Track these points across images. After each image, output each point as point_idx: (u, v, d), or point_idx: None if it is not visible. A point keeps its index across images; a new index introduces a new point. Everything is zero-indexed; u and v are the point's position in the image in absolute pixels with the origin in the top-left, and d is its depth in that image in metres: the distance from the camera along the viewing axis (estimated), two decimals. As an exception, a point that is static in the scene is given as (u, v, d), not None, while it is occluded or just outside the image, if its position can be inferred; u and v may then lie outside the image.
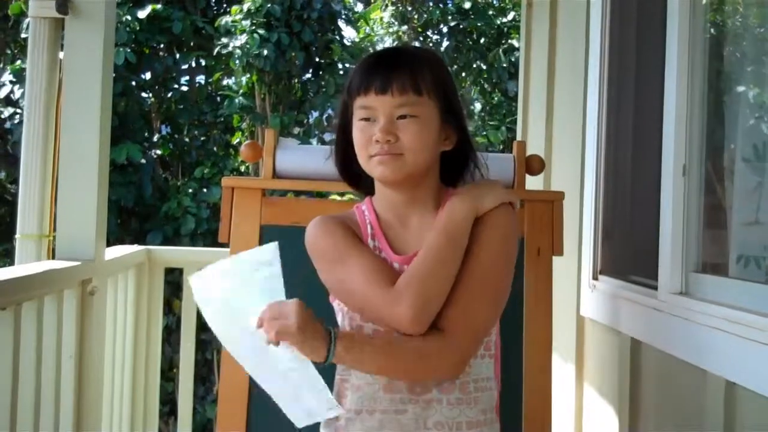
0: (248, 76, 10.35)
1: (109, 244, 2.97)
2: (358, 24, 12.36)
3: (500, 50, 11.32)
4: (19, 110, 9.14)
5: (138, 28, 9.85)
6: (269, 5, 10.00)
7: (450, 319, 1.59)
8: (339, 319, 1.72)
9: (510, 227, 1.68)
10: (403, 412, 1.63)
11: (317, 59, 10.58)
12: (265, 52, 9.85)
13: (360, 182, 1.79)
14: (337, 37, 10.81)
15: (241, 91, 10.64)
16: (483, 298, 1.63)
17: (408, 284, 1.57)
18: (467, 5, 11.71)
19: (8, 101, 9.51)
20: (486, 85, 11.96)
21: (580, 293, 3.04)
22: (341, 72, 10.67)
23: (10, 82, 9.45)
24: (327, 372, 1.69)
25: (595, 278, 2.90)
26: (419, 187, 1.70)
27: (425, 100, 1.63)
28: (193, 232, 9.68)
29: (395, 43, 12.01)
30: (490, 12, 11.83)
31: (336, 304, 1.73)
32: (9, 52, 10.31)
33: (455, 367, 1.61)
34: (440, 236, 1.62)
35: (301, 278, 1.66)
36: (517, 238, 1.72)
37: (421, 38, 12.13)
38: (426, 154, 1.65)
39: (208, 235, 9.54)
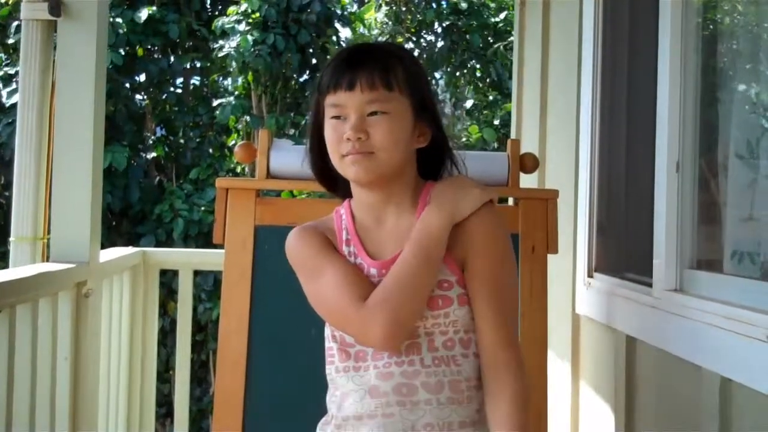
0: (244, 77, 10.34)
1: (101, 247, 2.97)
2: (353, 24, 12.35)
3: (501, 46, 11.31)
4: (5, 114, 9.10)
5: (131, 30, 9.82)
6: (266, 7, 9.99)
7: (496, 345, 1.59)
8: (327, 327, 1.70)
9: (499, 227, 1.66)
10: (390, 415, 1.58)
11: (313, 61, 10.57)
12: (260, 53, 9.84)
13: (337, 185, 1.74)
14: (334, 38, 10.80)
15: (236, 92, 10.64)
16: (506, 310, 1.63)
17: (381, 301, 1.54)
18: (463, 5, 11.72)
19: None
20: (481, 84, 11.97)
21: (575, 291, 3.04)
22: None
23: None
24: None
25: (590, 276, 2.90)
26: (395, 185, 1.65)
27: (396, 95, 1.59)
28: (185, 235, 9.66)
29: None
30: (486, 12, 11.83)
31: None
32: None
33: (527, 388, 1.61)
34: (414, 249, 1.58)
35: (296, 280, 1.66)
36: (508, 232, 1.68)
37: (415, 38, 12.14)
38: (399, 152, 1.60)
39: (201, 237, 9.53)
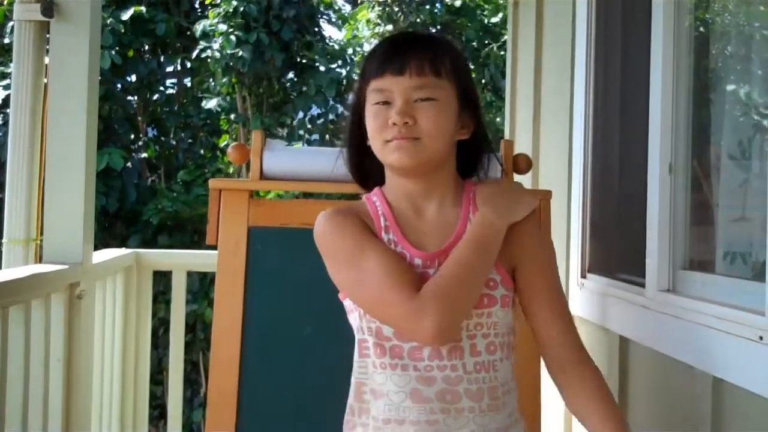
0: (227, 78, 10.31)
1: (94, 249, 2.96)
2: (345, 25, 12.34)
3: (494, 47, 11.32)
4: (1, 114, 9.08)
5: (122, 30, 9.80)
6: (245, 5, 9.93)
7: (569, 346, 1.63)
8: (352, 319, 1.64)
9: (547, 232, 1.71)
10: (434, 422, 1.54)
11: (298, 59, 10.52)
12: (242, 53, 9.78)
13: (369, 181, 1.71)
14: (318, 37, 10.75)
15: (221, 93, 10.61)
16: (566, 311, 1.66)
17: (435, 295, 1.50)
18: (458, 3, 11.72)
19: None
20: (477, 85, 11.96)
21: (568, 291, 3.04)
22: (322, 71, 10.60)
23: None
24: (344, 372, 1.69)
25: (583, 276, 2.91)
26: (435, 176, 1.62)
27: (444, 83, 1.56)
28: (179, 233, 9.65)
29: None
30: (481, 13, 11.84)
31: (348, 303, 1.64)
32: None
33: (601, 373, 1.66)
34: (472, 247, 1.55)
35: (289, 280, 1.66)
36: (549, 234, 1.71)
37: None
38: (444, 141, 1.58)
39: (194, 235, 9.52)
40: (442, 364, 1.55)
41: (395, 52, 1.58)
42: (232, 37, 9.79)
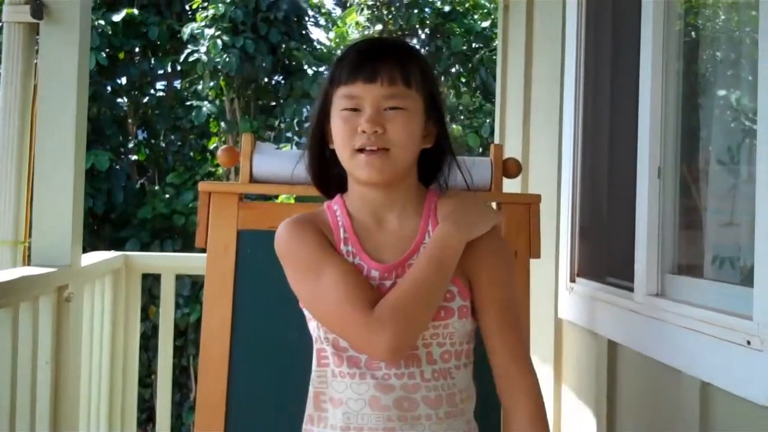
0: (214, 82, 10.29)
1: (84, 252, 2.95)
2: (333, 27, 12.34)
3: (485, 52, 11.34)
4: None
5: (112, 32, 9.78)
6: (232, 9, 9.92)
7: (513, 357, 1.61)
8: (312, 327, 1.64)
9: (507, 248, 1.68)
10: (391, 429, 1.54)
11: (286, 61, 10.52)
12: (228, 58, 9.77)
13: (330, 188, 1.70)
14: (305, 40, 10.75)
15: (210, 97, 10.59)
16: (516, 324, 1.64)
17: (391, 313, 1.49)
18: (447, 9, 11.74)
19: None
20: (465, 89, 11.99)
21: (557, 296, 3.05)
22: (310, 74, 10.60)
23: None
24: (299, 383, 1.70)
25: (572, 280, 2.91)
26: (399, 186, 1.62)
27: (413, 93, 1.56)
28: (168, 235, 9.64)
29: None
30: (471, 18, 11.85)
31: (307, 312, 1.65)
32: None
33: (544, 404, 1.65)
34: (430, 263, 1.55)
35: (278, 283, 1.65)
36: (512, 253, 1.70)
37: (398, 43, 12.12)
38: (411, 150, 1.58)
39: (186, 238, 9.51)
40: (400, 372, 1.56)
41: (367, 59, 1.57)
42: (219, 42, 9.77)
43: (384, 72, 1.54)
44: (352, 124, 1.55)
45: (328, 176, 1.68)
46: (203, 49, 9.95)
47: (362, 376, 1.56)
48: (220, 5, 9.97)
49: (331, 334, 1.58)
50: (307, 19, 11.00)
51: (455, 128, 11.36)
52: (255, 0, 10.01)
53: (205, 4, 10.32)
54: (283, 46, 10.29)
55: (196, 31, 10.05)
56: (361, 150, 1.55)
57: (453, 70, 11.90)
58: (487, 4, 11.76)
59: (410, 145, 1.57)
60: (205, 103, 10.44)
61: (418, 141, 1.60)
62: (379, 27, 11.72)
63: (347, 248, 1.61)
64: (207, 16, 10.09)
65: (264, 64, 10.08)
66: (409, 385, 1.56)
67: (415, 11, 11.72)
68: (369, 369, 1.56)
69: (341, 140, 1.57)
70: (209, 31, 9.92)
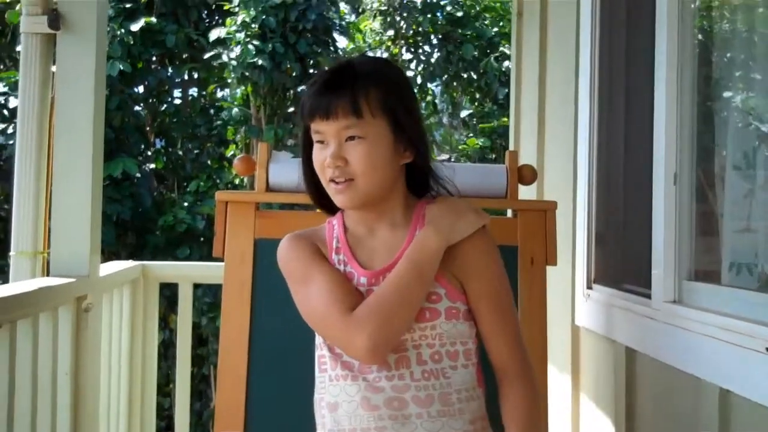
0: (243, 88, 10.37)
1: (105, 258, 2.96)
2: (352, 34, 12.38)
3: (492, 58, 11.35)
4: (12, 124, 9.12)
5: (131, 41, 9.85)
6: (264, 17, 10.03)
7: (509, 359, 1.68)
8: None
9: (493, 249, 1.71)
10: (383, 429, 1.60)
11: (311, 71, 10.60)
12: (260, 62, 9.86)
13: (326, 203, 1.74)
14: (332, 48, 10.83)
15: (235, 103, 10.68)
16: (512, 324, 1.70)
17: (370, 313, 1.57)
18: (459, 14, 11.75)
19: (2, 115, 9.49)
20: (477, 94, 12.00)
21: (574, 303, 3.05)
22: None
23: (1, 93, 9.42)
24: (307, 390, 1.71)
25: (589, 287, 2.91)
26: (385, 203, 1.68)
27: (368, 120, 1.60)
28: (188, 242, 9.71)
29: (383, 53, 12.04)
30: (485, 21, 11.86)
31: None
32: (1, 65, 10.29)
33: (537, 389, 1.71)
34: (408, 266, 1.61)
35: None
36: (499, 253, 1.72)
37: (412, 49, 12.16)
38: (379, 174, 1.63)
39: (204, 244, 9.57)
40: (390, 374, 1.61)
41: (321, 95, 1.62)
42: (251, 46, 9.86)
43: (337, 106, 1.60)
44: (321, 157, 1.63)
45: (323, 196, 1.72)
46: (232, 54, 10.03)
47: (354, 378, 1.63)
48: (252, 10, 10.05)
49: (322, 337, 1.68)
50: (335, 28, 11.05)
51: (472, 141, 11.36)
52: (285, 10, 10.09)
53: (236, 8, 10.40)
54: (311, 57, 10.37)
55: (225, 36, 10.13)
56: (332, 180, 1.63)
57: (465, 75, 11.92)
58: (498, 10, 11.77)
59: (375, 171, 1.62)
60: (234, 107, 10.53)
61: (385, 163, 1.63)
62: (390, 32, 11.74)
63: (338, 257, 1.70)
64: (236, 21, 10.17)
65: (294, 73, 10.16)
66: (399, 385, 1.61)
67: (428, 16, 11.75)
68: (361, 372, 1.63)
69: (317, 171, 1.66)
70: (240, 35, 10.00)
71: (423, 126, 1.72)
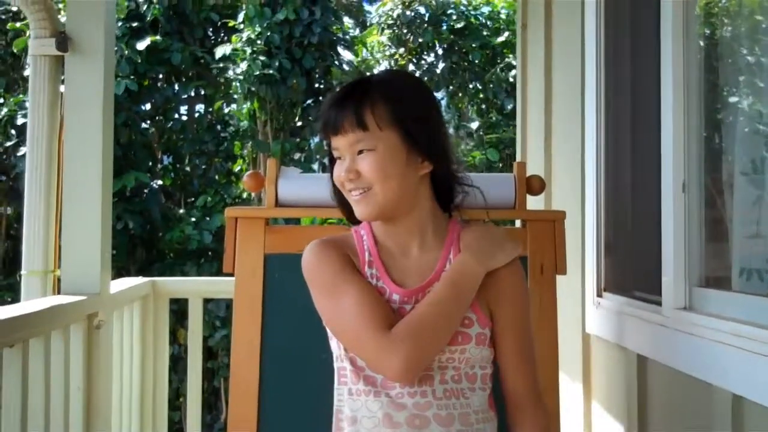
0: (249, 104, 10.42)
1: (115, 274, 2.98)
2: (356, 48, 12.42)
3: (498, 69, 11.38)
4: (23, 144, 9.17)
5: (138, 60, 9.91)
6: (269, 33, 10.09)
7: (527, 390, 1.70)
8: (333, 345, 1.70)
9: (524, 279, 1.73)
10: None
11: (316, 85, 10.64)
12: (268, 74, 9.91)
13: (354, 215, 1.74)
14: (336, 63, 10.88)
15: (242, 119, 10.72)
16: (533, 355, 1.73)
17: (407, 334, 1.55)
18: (460, 25, 11.78)
19: (12, 134, 9.55)
20: (483, 105, 12.01)
21: (584, 311, 3.04)
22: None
23: (9, 113, 9.49)
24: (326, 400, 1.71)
25: (599, 295, 2.91)
26: (410, 215, 1.67)
27: (376, 134, 1.60)
28: (198, 259, 9.74)
29: (392, 65, 12.07)
30: (485, 33, 11.88)
31: (329, 330, 1.70)
32: (9, 86, 10.35)
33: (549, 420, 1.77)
34: (448, 289, 1.61)
35: (306, 306, 1.67)
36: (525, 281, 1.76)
37: (416, 60, 12.19)
38: (394, 183, 1.62)
39: (214, 259, 9.58)
40: (413, 390, 1.60)
41: (330, 111, 1.65)
42: (258, 61, 9.92)
43: (344, 122, 1.62)
44: (338, 172, 1.65)
45: (350, 207, 1.72)
46: (238, 70, 10.09)
47: (377, 394, 1.62)
48: (257, 27, 10.11)
49: (350, 352, 1.64)
50: (339, 45, 11.10)
51: (476, 154, 11.37)
52: (289, 26, 10.16)
53: (241, 25, 10.46)
54: (317, 72, 10.42)
55: (230, 53, 10.19)
56: (350, 191, 1.65)
57: (471, 86, 11.94)
58: (502, 21, 11.80)
59: (387, 180, 1.62)
60: (242, 120, 10.59)
61: (399, 173, 1.63)
62: (401, 50, 11.77)
63: (371, 271, 1.68)
64: (241, 38, 10.23)
65: (299, 86, 10.21)
66: (421, 403, 1.60)
67: (434, 27, 11.78)
68: (384, 388, 1.62)
69: (339, 186, 1.68)
70: (246, 51, 10.06)
71: (442, 135, 1.71)
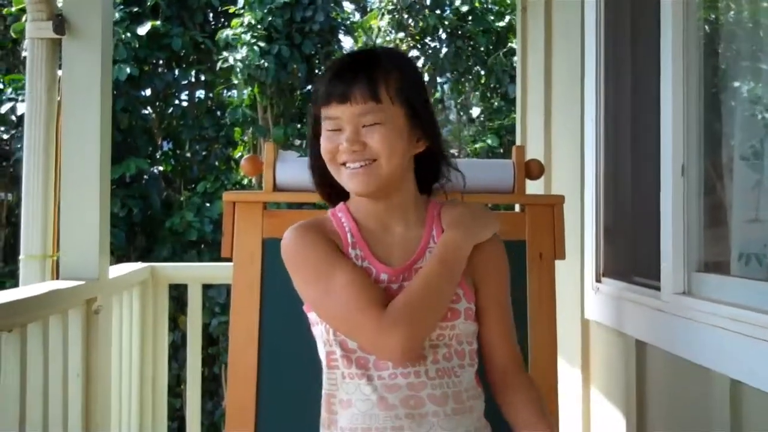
0: (249, 89, 10.40)
1: (116, 259, 2.97)
2: (356, 33, 12.39)
3: (500, 53, 11.34)
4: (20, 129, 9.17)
5: (138, 45, 9.89)
6: (270, 18, 10.06)
7: (515, 359, 1.72)
8: (317, 331, 1.68)
9: (505, 254, 1.75)
10: (399, 428, 1.58)
11: (317, 71, 10.63)
12: (266, 64, 9.90)
13: (332, 196, 1.75)
14: (337, 48, 10.87)
15: (243, 104, 10.71)
16: (513, 326, 1.75)
17: (404, 313, 1.54)
18: (464, 8, 11.74)
19: (10, 120, 9.54)
20: (486, 90, 11.99)
21: (583, 296, 3.04)
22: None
23: (9, 99, 9.46)
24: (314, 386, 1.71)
25: (598, 281, 2.90)
26: (397, 193, 1.67)
27: (387, 106, 1.59)
28: (198, 246, 9.74)
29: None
30: (491, 17, 11.85)
31: (313, 316, 1.68)
32: (9, 72, 10.33)
33: None
34: (438, 266, 1.61)
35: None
36: None
37: (419, 45, 12.16)
38: (397, 158, 1.61)
39: (214, 247, 9.58)
40: (406, 371, 1.60)
41: (339, 80, 1.61)
42: (256, 48, 9.89)
43: (355, 91, 1.59)
44: (334, 142, 1.61)
45: (330, 186, 1.72)
46: (238, 56, 10.07)
47: (370, 378, 1.61)
48: (257, 11, 10.09)
49: (340, 336, 1.63)
50: (340, 30, 11.09)
51: (473, 145, 11.35)
52: (290, 11, 10.12)
53: (242, 10, 10.44)
54: (317, 57, 10.40)
55: (231, 39, 10.17)
56: (344, 164, 1.61)
57: (474, 71, 11.91)
58: (505, 3, 11.75)
59: (394, 154, 1.61)
60: (241, 106, 10.58)
61: (402, 148, 1.63)
62: (401, 35, 11.74)
63: (356, 252, 1.67)
64: (242, 23, 10.21)
65: (300, 74, 10.19)
66: (415, 383, 1.60)
67: (437, 11, 11.74)
68: (377, 370, 1.61)
69: (327, 158, 1.64)
70: (246, 37, 10.03)
71: (436, 119, 1.73)
